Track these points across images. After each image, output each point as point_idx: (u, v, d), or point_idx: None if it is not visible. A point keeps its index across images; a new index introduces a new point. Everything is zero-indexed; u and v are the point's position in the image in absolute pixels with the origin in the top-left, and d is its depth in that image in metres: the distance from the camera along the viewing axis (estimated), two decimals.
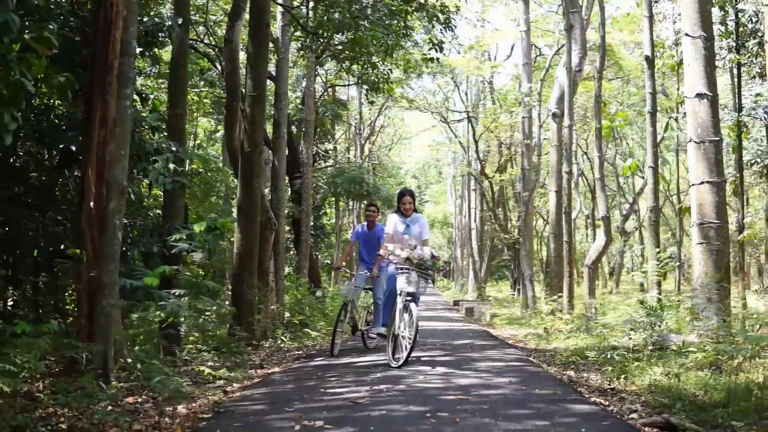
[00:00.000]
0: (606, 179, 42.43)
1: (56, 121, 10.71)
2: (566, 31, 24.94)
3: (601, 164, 24.49)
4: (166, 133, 12.04)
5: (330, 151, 37.38)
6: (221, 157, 28.81)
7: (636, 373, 9.72)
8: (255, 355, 12.99)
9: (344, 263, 16.14)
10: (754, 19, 18.13)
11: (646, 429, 6.48)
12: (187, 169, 12.83)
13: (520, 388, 8.85)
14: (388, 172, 57.36)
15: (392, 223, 12.57)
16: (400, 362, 10.86)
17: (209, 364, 10.84)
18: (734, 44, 19.31)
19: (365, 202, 28.02)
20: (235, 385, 9.63)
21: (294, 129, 26.25)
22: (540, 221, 53.85)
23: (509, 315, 26.08)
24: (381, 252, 12.39)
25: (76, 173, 10.68)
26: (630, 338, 12.11)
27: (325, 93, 31.02)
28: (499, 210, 47.93)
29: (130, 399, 7.93)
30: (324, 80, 29.71)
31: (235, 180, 17.36)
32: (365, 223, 14.84)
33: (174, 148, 11.42)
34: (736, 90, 20.04)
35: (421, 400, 7.93)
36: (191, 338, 12.71)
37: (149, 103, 12.40)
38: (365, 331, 13.99)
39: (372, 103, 33.92)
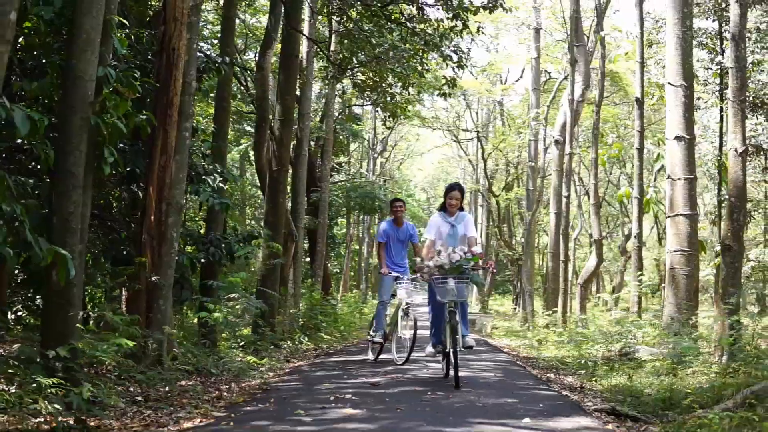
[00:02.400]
0: (612, 199, 44.18)
1: (120, 145, 12.52)
2: (570, 65, 26.73)
3: (596, 191, 26.25)
4: (211, 157, 13.81)
5: (344, 164, 38.99)
6: (237, 165, 30.70)
7: (603, 376, 11.58)
8: (278, 353, 14.79)
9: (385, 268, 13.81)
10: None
11: (595, 413, 8.29)
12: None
13: (502, 380, 11.23)
14: (398, 186, 59.04)
15: (434, 225, 11.33)
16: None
17: (246, 358, 12.80)
18: (718, 89, 20.97)
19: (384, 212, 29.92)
20: (270, 373, 11.52)
21: (312, 145, 27.96)
22: (544, 238, 55.46)
23: (509, 327, 27.50)
24: (419, 264, 10.84)
25: (133, 190, 12.42)
26: (608, 349, 13.99)
27: (343, 113, 32.62)
28: (504, 227, 49.54)
29: (182, 382, 9.75)
30: (341, 97, 31.19)
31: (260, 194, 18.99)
32: (391, 220, 14.02)
33: (220, 170, 13.25)
34: (719, 132, 21.70)
35: (424, 385, 10.19)
36: (223, 336, 14.54)
37: (199, 133, 14.10)
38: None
39: (390, 129, 35.85)
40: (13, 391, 6.96)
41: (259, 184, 29.13)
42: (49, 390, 6.77)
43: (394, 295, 13.30)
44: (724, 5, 17.85)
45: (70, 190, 8.12)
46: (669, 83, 15.37)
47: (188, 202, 14.55)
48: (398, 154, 60.10)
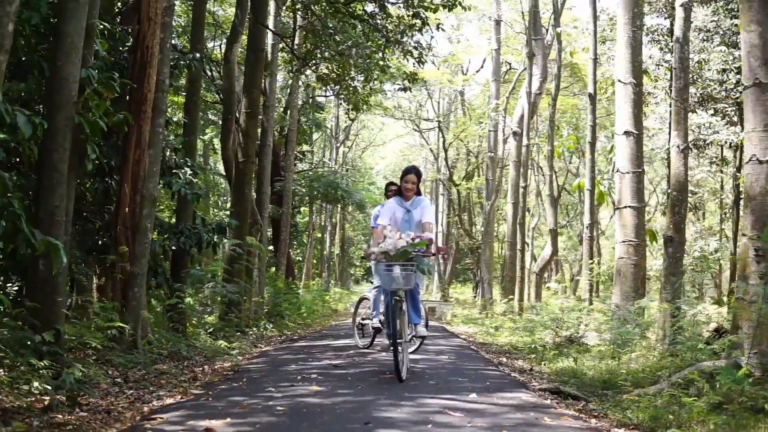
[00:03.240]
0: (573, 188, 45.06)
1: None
2: (528, 59, 27.51)
3: (551, 182, 27.11)
4: (183, 151, 14.38)
5: (307, 153, 39.55)
6: (201, 153, 31.15)
7: (551, 360, 12.36)
8: (245, 339, 15.44)
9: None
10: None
11: (538, 391, 9.03)
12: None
13: (455, 362, 11.94)
14: (360, 174, 59.67)
15: (389, 210, 10.77)
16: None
17: (217, 342, 13.49)
18: (668, 85, 21.72)
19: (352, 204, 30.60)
20: (240, 357, 12.19)
21: (276, 135, 28.53)
22: (504, 226, 56.28)
23: (468, 315, 28.12)
24: (367, 251, 10.36)
25: (106, 182, 12.96)
26: (557, 335, 14.77)
27: (307, 102, 33.15)
28: (464, 215, 50.38)
29: (157, 365, 10.38)
30: (305, 87, 31.64)
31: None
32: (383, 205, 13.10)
33: (190, 164, 13.86)
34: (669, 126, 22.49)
35: (382, 366, 10.84)
36: (192, 322, 15.17)
37: (171, 127, 14.64)
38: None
39: (353, 120, 36.50)
40: (2, 373, 7.52)
41: (222, 173, 29.80)
42: (40, 371, 7.41)
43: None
44: (674, 4, 18.61)
45: (56, 185, 8.71)
46: (619, 80, 16.04)
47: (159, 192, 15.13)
48: (360, 143, 60.65)
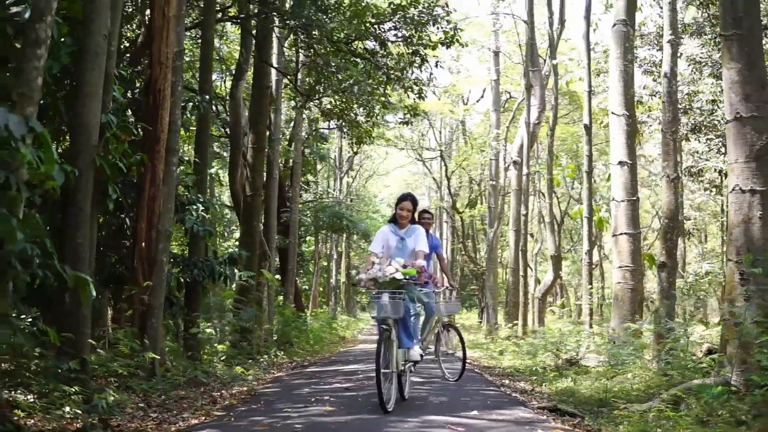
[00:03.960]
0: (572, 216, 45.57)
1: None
2: (526, 90, 28.20)
3: (551, 210, 27.72)
4: (195, 188, 15.01)
5: (311, 183, 40.16)
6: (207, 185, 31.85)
7: (552, 381, 12.91)
8: (257, 366, 16.00)
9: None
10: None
11: (537, 409, 9.60)
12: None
13: (458, 384, 12.45)
14: (365, 203, 60.22)
15: (381, 237, 10.52)
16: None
17: (234, 368, 14.11)
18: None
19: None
20: (255, 382, 12.77)
21: (281, 167, 29.14)
22: (507, 252, 56.76)
23: (473, 340, 28.45)
24: (356, 275, 10.06)
25: (121, 217, 13.56)
26: (558, 358, 15.31)
27: (311, 135, 33.76)
28: (468, 242, 50.98)
29: (175, 391, 10.95)
30: (308, 119, 32.14)
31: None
32: None
33: (202, 200, 14.51)
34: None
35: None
36: (206, 350, 15.75)
37: (183, 165, 15.27)
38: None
39: (355, 153, 37.21)
40: (31, 399, 8.09)
41: (227, 204, 30.43)
42: (71, 396, 8.01)
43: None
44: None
45: (80, 223, 9.34)
46: (612, 113, 16.63)
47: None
48: (364, 173, 61.23)
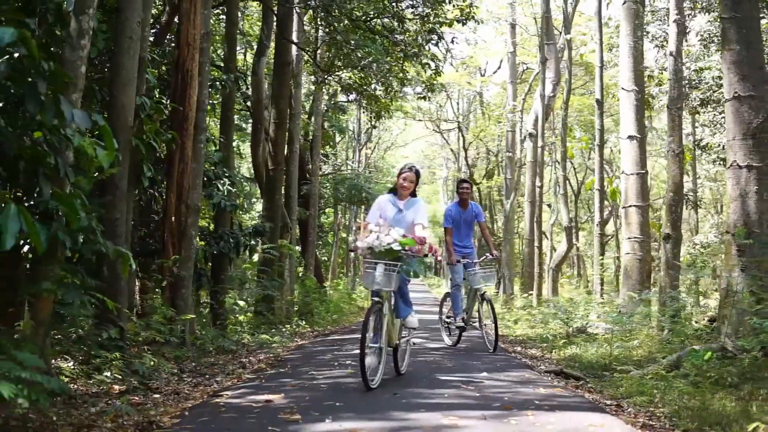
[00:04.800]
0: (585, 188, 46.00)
1: None
2: (541, 63, 28.67)
3: (564, 182, 28.28)
4: (221, 164, 15.68)
5: (330, 155, 40.65)
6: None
7: (561, 347, 13.58)
8: (279, 335, 16.71)
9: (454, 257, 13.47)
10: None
11: (545, 373, 10.26)
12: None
13: (471, 351, 13.27)
14: (383, 175, 60.67)
15: (378, 207, 9.99)
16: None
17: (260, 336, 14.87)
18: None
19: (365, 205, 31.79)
20: (279, 349, 13.48)
21: (302, 140, 29.69)
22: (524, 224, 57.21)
23: None
24: (353, 243, 9.70)
25: (152, 193, 14.25)
26: (568, 326, 15.96)
27: (330, 108, 34.24)
28: (486, 213, 51.46)
29: (204, 359, 11.66)
30: (327, 92, 32.60)
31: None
32: (456, 202, 13.84)
33: (228, 174, 15.20)
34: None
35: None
36: (231, 319, 16.46)
37: (209, 142, 15.94)
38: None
39: (375, 127, 37.73)
40: (71, 365, 8.78)
41: (247, 177, 31.09)
42: (113, 362, 8.72)
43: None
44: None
45: (117, 201, 10.00)
46: (623, 88, 17.18)
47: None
48: (382, 144, 61.65)
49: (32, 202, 6.54)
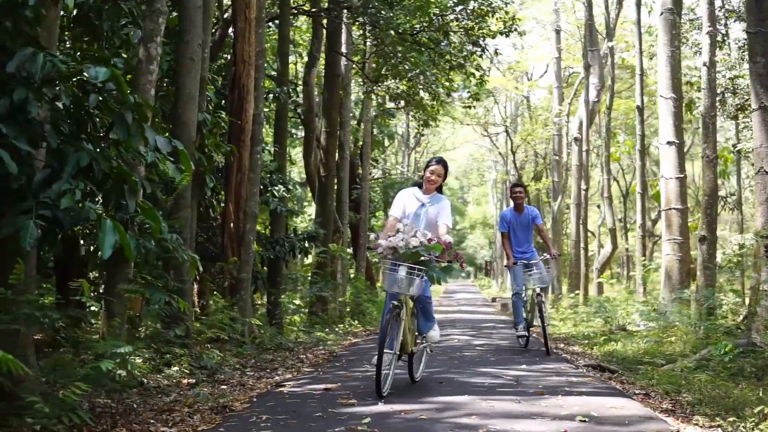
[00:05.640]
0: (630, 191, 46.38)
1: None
2: (585, 69, 29.28)
3: (609, 185, 28.83)
4: (276, 173, 16.54)
5: (379, 160, 41.35)
6: None
7: (602, 344, 14.24)
8: (333, 333, 17.50)
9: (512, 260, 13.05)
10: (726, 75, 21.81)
11: (583, 367, 10.96)
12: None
13: (512, 346, 14.01)
14: None
15: (401, 201, 9.23)
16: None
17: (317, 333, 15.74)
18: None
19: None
20: (334, 347, 14.28)
21: (352, 146, 30.44)
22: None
23: None
24: (374, 243, 8.57)
25: (210, 201, 15.12)
26: (610, 324, 16.61)
27: (379, 114, 34.97)
28: None
29: (263, 355, 12.48)
30: (376, 102, 33.29)
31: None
32: (511, 207, 13.45)
33: (282, 182, 16.07)
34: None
35: (452, 350, 13.18)
36: (287, 319, 17.29)
37: (265, 152, 16.86)
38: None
39: (422, 135, 38.47)
40: (139, 361, 9.61)
41: (297, 181, 31.95)
42: (181, 358, 9.58)
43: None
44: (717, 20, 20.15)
45: (182, 210, 10.86)
46: (661, 96, 17.74)
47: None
48: (431, 148, 62.24)
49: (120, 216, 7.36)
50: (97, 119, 7.12)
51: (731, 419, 6.75)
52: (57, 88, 6.31)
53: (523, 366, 10.66)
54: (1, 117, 5.75)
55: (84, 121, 6.92)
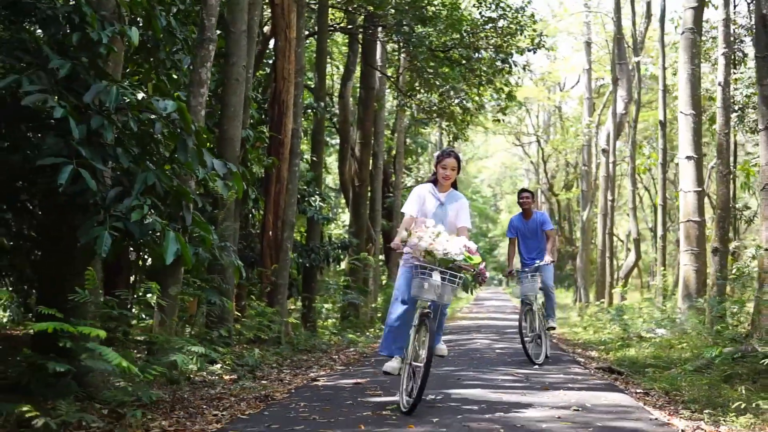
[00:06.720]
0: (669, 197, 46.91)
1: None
2: (613, 83, 30.08)
3: (633, 197, 29.58)
4: (313, 183, 17.52)
5: (412, 168, 42.13)
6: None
7: (617, 349, 15.06)
8: (363, 337, 18.40)
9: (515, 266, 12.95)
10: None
11: (595, 369, 11.82)
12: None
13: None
14: (464, 185, 62.09)
15: (417, 197, 8.39)
16: (409, 405, 7.42)
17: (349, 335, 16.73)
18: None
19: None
20: (365, 349, 15.24)
21: (385, 155, 31.29)
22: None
23: (565, 318, 30.37)
24: (396, 242, 7.80)
25: (249, 210, 16.10)
26: (626, 331, 17.41)
27: (412, 125, 35.79)
28: (564, 224, 52.71)
29: (297, 356, 13.43)
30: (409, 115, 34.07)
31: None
32: (519, 213, 12.96)
33: (319, 192, 17.05)
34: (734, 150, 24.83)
35: (473, 353, 14.00)
36: (320, 323, 18.27)
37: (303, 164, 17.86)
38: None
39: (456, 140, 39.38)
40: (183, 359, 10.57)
41: (331, 187, 32.87)
42: (225, 356, 10.55)
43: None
44: (736, 38, 20.84)
45: (228, 221, 11.83)
46: (681, 112, 18.42)
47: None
48: (464, 157, 63.01)
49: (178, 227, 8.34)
50: (160, 143, 8.13)
51: (712, 412, 7.65)
52: (126, 117, 7.32)
53: (536, 366, 11.65)
54: (80, 141, 6.73)
55: (148, 144, 7.92)
